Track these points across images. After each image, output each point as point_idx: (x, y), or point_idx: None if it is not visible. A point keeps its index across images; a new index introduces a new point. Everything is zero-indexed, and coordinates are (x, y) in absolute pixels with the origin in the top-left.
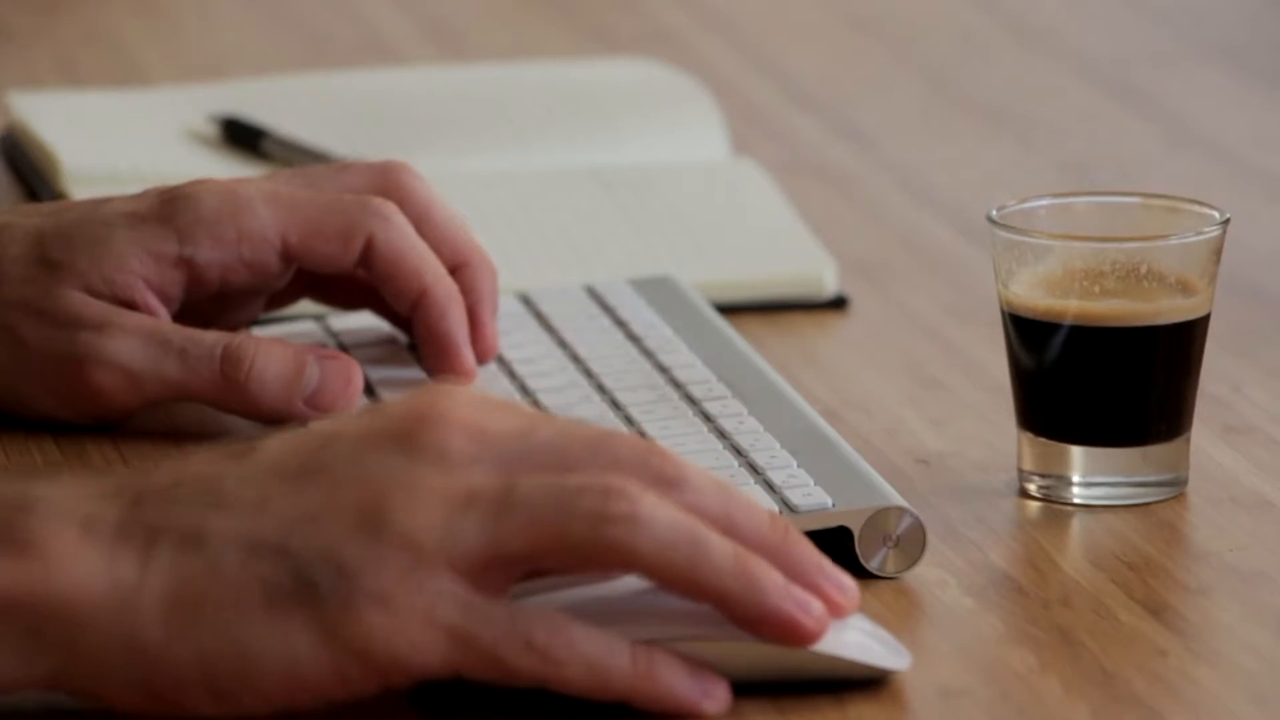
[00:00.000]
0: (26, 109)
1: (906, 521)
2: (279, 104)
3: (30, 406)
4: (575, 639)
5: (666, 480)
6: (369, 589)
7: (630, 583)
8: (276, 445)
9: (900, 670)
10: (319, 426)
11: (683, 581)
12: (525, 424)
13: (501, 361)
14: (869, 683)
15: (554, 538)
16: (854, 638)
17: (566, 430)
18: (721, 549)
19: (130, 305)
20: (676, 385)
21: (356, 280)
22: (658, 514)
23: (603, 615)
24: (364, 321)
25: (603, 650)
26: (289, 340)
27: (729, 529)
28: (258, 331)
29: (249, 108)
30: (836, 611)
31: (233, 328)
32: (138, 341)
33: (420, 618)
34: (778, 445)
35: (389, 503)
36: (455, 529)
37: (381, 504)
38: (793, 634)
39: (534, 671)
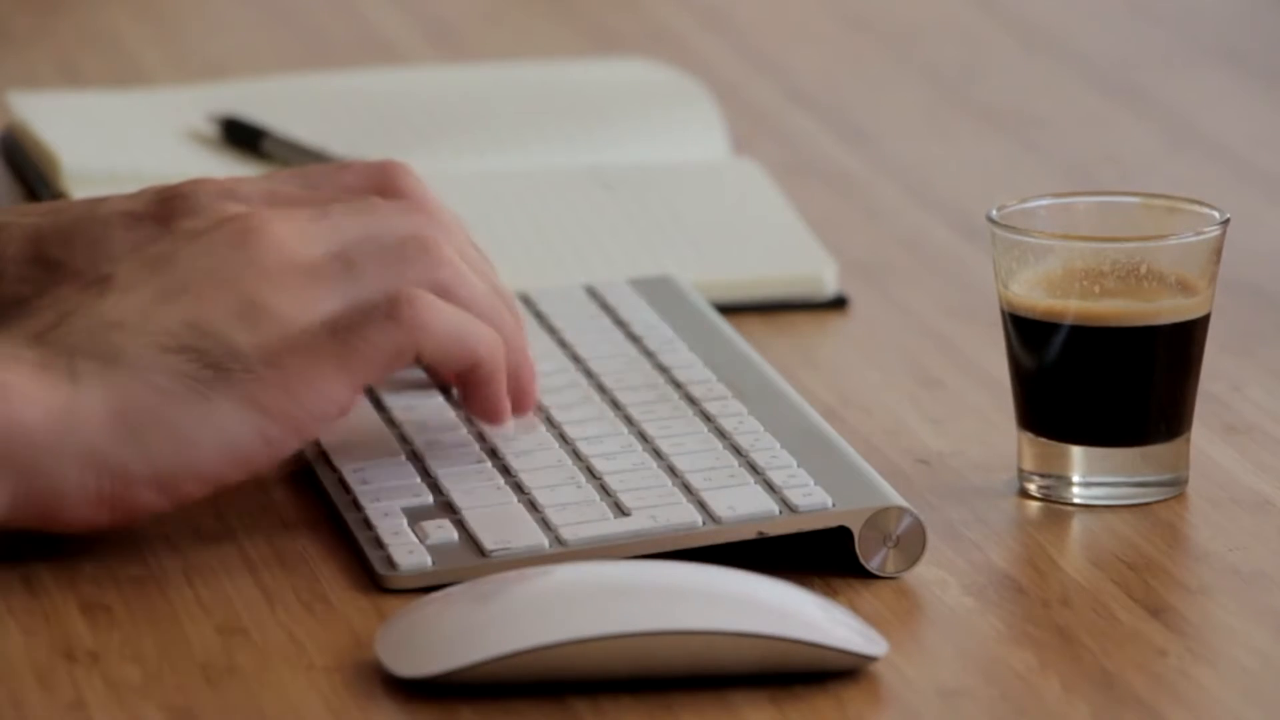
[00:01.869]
0: (26, 109)
1: (906, 521)
2: (279, 104)
3: None
4: (435, 308)
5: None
6: (265, 359)
7: (625, 569)
8: (128, 274)
9: (879, 656)
10: (151, 251)
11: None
12: (318, 209)
13: None
14: (868, 682)
15: (398, 283)
16: (835, 629)
17: (351, 205)
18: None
19: None
20: (676, 385)
21: None
22: (460, 262)
23: (598, 600)
24: None
25: (462, 319)
26: None
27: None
28: None
29: (249, 108)
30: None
31: None
32: None
33: (311, 363)
34: (778, 445)
35: (252, 290)
36: (315, 296)
37: (247, 293)
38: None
39: (403, 342)
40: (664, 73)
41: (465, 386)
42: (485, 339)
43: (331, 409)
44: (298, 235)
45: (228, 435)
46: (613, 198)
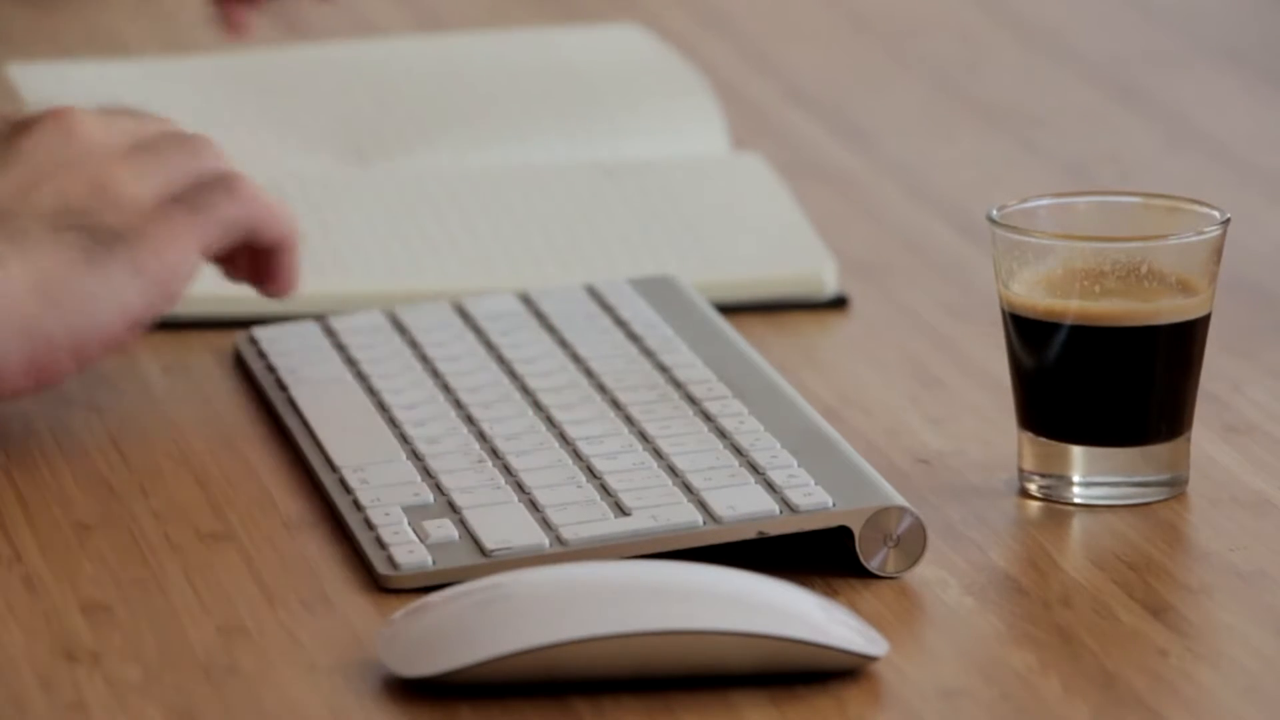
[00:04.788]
0: (21, 80)
1: (907, 521)
2: (278, 101)
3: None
4: (259, 186)
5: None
6: (134, 233)
7: (625, 569)
8: None
9: (879, 656)
10: None
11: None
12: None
13: (501, 361)
14: (868, 682)
15: (208, 166)
16: (835, 629)
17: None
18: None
19: None
20: (676, 385)
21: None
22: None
23: (598, 600)
24: (366, 320)
25: (275, 197)
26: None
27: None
28: (258, 330)
29: (248, 107)
30: None
31: None
32: None
33: (170, 231)
34: (778, 445)
35: (98, 173)
36: (150, 171)
37: (96, 177)
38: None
39: (241, 213)
40: (652, 45)
41: (273, 259)
42: (292, 215)
43: (191, 269)
44: (105, 122)
45: (122, 299)
46: (614, 194)
